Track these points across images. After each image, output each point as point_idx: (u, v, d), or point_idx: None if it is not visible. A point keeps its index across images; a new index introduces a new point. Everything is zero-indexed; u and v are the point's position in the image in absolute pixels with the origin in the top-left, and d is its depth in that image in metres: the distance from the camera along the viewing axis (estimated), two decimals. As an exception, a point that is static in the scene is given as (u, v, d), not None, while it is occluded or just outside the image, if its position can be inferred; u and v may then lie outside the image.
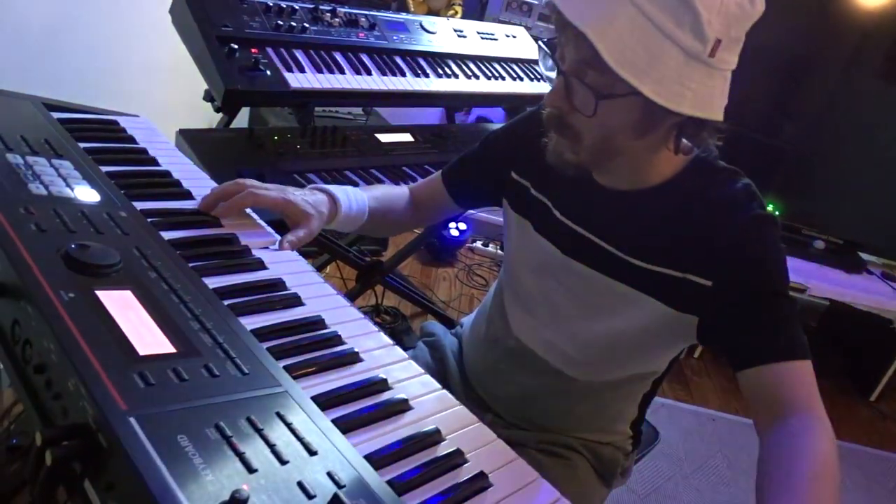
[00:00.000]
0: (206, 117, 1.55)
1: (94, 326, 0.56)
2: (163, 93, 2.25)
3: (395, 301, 2.50)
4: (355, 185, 1.48)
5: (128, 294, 0.62)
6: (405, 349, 0.74)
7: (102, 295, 0.60)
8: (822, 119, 2.64)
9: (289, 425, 0.54)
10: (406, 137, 1.77)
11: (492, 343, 1.12)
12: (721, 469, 2.21)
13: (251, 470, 0.48)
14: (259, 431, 0.52)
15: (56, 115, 0.97)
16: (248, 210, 0.92)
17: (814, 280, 2.48)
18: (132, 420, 0.47)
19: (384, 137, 1.70)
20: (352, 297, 2.10)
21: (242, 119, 2.73)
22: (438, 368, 1.23)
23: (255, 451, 0.50)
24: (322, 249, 2.18)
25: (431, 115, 2.98)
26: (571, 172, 0.89)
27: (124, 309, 0.60)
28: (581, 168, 0.89)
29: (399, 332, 2.30)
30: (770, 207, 2.77)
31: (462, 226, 2.95)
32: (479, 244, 3.12)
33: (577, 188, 0.95)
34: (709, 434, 2.36)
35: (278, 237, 0.87)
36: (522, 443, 1.07)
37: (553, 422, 1.09)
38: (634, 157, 0.88)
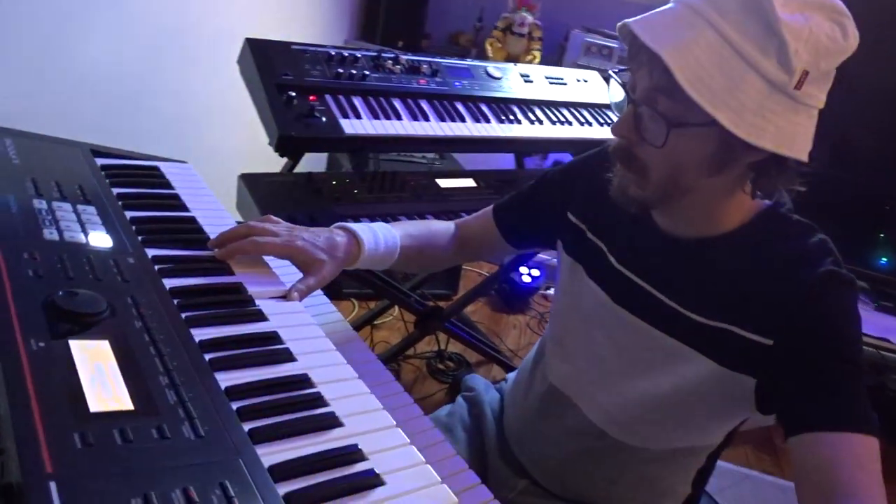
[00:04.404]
0: (280, 162, 1.60)
1: (52, 379, 0.55)
2: (236, 139, 2.35)
3: (462, 347, 2.44)
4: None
5: (104, 345, 0.62)
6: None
7: (75, 345, 0.60)
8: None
9: (229, 499, 0.50)
10: (468, 183, 1.74)
11: (533, 397, 1.05)
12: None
13: (168, 549, 0.45)
14: (192, 505, 0.48)
15: (101, 161, 1.02)
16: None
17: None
18: (52, 485, 0.45)
19: (444, 183, 1.68)
20: (410, 343, 2.07)
21: (321, 163, 2.81)
22: (474, 425, 1.17)
23: (180, 527, 0.47)
24: (380, 294, 2.17)
25: (508, 161, 2.94)
26: (634, 209, 0.83)
27: (94, 360, 0.59)
28: (646, 206, 0.83)
29: (460, 380, 2.23)
30: (884, 261, 2.57)
31: (535, 272, 2.87)
32: (552, 291, 3.01)
33: (636, 234, 0.89)
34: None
35: (288, 286, 0.85)
36: (559, 512, 0.98)
37: (594, 492, 1.00)
38: (704, 199, 0.81)
